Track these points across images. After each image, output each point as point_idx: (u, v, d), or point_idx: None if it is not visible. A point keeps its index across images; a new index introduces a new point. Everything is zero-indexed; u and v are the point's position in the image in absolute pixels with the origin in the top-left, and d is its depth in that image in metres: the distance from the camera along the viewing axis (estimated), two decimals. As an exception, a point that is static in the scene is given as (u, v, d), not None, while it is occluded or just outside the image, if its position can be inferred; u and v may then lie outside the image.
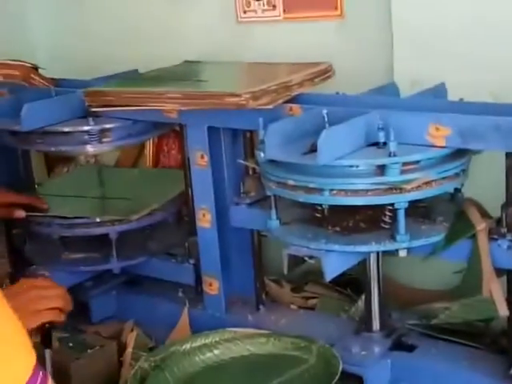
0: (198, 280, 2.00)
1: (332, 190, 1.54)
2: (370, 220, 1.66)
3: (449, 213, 1.67)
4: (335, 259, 1.58)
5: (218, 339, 1.74)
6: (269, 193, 1.69)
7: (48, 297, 1.63)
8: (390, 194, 1.53)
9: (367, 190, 1.53)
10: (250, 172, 1.94)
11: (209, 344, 1.74)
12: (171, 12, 2.45)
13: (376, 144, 1.57)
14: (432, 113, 1.56)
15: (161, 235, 2.16)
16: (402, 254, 1.60)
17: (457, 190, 1.70)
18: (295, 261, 1.61)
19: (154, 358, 1.70)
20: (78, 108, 2.00)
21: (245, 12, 2.28)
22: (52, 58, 2.58)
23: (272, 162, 1.63)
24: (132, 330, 1.93)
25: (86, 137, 1.97)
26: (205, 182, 1.89)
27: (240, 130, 1.90)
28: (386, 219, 1.62)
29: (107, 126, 1.98)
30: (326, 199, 1.57)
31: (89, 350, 1.82)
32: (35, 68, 2.23)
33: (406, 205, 1.54)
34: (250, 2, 2.26)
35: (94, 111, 1.96)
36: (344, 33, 2.16)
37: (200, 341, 1.74)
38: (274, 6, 2.23)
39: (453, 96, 1.76)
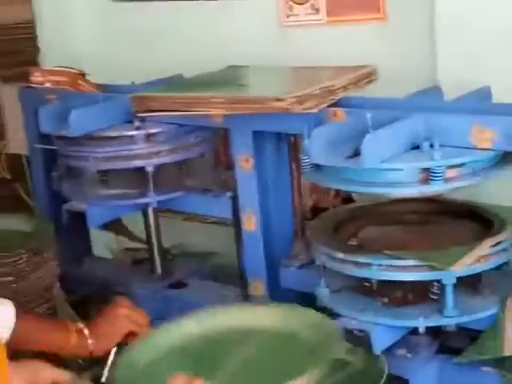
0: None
1: (380, 265, 1.61)
2: (418, 291, 1.68)
3: (496, 284, 1.68)
4: (384, 332, 1.63)
5: None
6: (318, 263, 1.74)
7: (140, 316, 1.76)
8: (437, 271, 1.57)
9: (415, 266, 1.58)
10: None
11: None
12: (215, 17, 2.46)
13: (418, 147, 1.58)
14: (476, 115, 1.56)
15: (197, 171, 2.14)
16: (450, 328, 1.65)
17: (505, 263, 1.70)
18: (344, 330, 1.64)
19: None
20: (124, 113, 2.03)
21: (288, 16, 2.28)
22: (98, 63, 2.61)
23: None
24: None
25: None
26: (250, 185, 1.91)
27: (284, 133, 1.92)
28: (434, 290, 1.65)
29: (153, 130, 2.01)
30: (375, 274, 1.63)
31: None
32: (82, 74, 2.27)
33: (454, 280, 1.58)
34: (292, 6, 2.27)
35: (140, 116, 1.98)
36: (387, 35, 2.15)
37: None
38: (317, 10, 2.23)
39: (498, 98, 1.75)
